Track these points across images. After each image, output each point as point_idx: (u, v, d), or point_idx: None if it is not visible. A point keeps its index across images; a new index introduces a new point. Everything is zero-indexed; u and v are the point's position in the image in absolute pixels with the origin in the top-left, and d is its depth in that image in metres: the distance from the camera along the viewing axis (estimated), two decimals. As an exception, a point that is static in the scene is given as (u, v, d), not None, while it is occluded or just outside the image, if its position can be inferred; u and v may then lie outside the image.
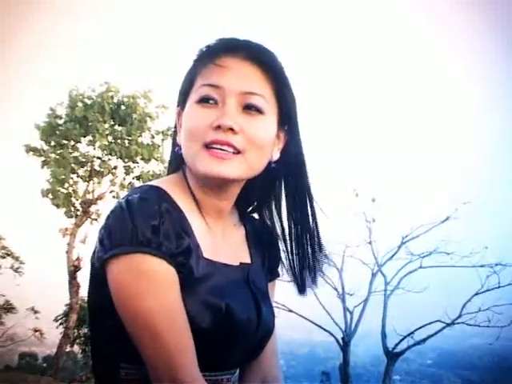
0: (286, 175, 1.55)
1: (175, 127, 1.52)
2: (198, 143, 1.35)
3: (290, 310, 13.07)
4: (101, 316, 1.35)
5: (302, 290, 1.62)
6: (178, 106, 1.50)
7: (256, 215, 1.66)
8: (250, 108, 1.39)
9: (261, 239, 1.60)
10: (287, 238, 1.59)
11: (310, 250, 1.59)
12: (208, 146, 1.35)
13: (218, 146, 1.34)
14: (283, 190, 1.58)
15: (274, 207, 1.61)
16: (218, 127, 1.34)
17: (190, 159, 1.38)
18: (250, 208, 1.64)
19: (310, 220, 1.57)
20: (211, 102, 1.38)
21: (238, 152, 1.36)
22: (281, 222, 1.60)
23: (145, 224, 1.23)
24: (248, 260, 1.53)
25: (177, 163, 1.51)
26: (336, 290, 14.01)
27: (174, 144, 1.52)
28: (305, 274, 1.61)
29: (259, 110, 1.40)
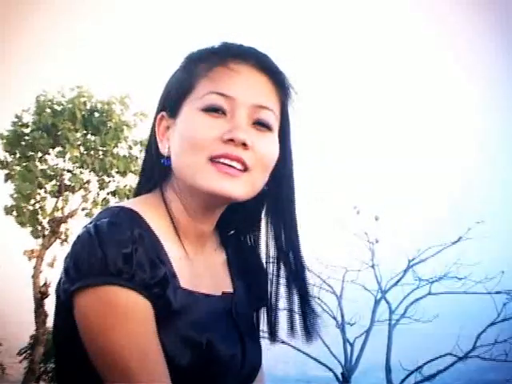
0: (274, 198, 1.56)
1: (153, 135, 1.52)
2: (203, 156, 1.36)
3: (283, 342, 13.00)
4: (67, 351, 1.36)
5: (272, 334, 1.63)
6: (162, 110, 1.50)
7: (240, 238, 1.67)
8: (260, 123, 1.40)
9: (245, 264, 1.61)
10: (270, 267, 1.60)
11: (294, 286, 1.60)
12: (214, 160, 1.35)
13: (227, 161, 1.35)
14: (269, 214, 1.59)
15: (262, 232, 1.62)
16: (230, 140, 1.35)
17: (190, 173, 1.38)
18: (233, 231, 1.65)
19: (295, 247, 1.58)
20: (219, 111, 1.38)
21: (245, 170, 1.37)
22: (271, 247, 1.61)
23: (115, 252, 1.24)
24: (231, 289, 1.53)
25: (154, 178, 1.50)
26: (335, 318, 13.96)
27: (150, 155, 1.52)
28: (277, 319, 1.62)
29: (269, 127, 1.42)
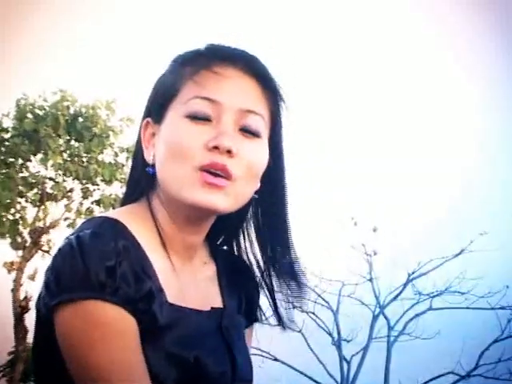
0: (266, 205, 1.56)
1: (138, 142, 1.52)
2: (188, 165, 1.35)
3: (276, 359, 12.99)
4: (47, 368, 1.35)
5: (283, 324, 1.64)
6: (147, 116, 1.50)
7: (227, 248, 1.67)
8: (247, 129, 1.40)
9: (236, 278, 1.61)
10: (265, 273, 1.60)
11: (290, 284, 1.60)
12: (200, 170, 1.35)
13: (212, 170, 1.34)
14: (261, 221, 1.59)
15: (251, 239, 1.62)
16: (215, 148, 1.35)
17: (174, 184, 1.38)
18: (220, 240, 1.65)
19: (290, 254, 1.59)
20: (204, 118, 1.38)
21: (229, 179, 1.36)
22: (258, 254, 1.62)
23: (98, 265, 1.23)
24: (220, 303, 1.53)
25: (141, 187, 1.50)
26: (331, 335, 13.97)
27: (137, 163, 1.52)
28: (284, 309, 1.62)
29: (257, 133, 1.41)
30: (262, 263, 1.61)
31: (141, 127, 1.51)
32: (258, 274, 1.62)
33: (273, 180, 1.53)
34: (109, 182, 13.72)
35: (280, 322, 1.64)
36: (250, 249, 1.63)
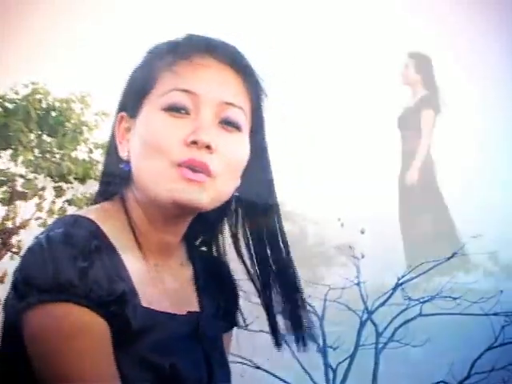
0: (247, 204, 1.57)
1: (112, 137, 1.52)
2: (165, 162, 1.36)
3: (258, 367, 12.94)
4: (15, 374, 1.35)
5: (277, 340, 1.64)
6: (121, 110, 1.50)
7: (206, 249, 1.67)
8: (227, 122, 1.41)
9: (214, 280, 1.62)
10: (255, 278, 1.61)
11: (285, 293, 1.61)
12: (178, 166, 1.35)
13: (191, 166, 1.35)
14: (245, 223, 1.59)
15: (233, 241, 1.62)
16: (193, 143, 1.35)
17: (152, 181, 1.39)
18: (199, 241, 1.65)
19: (284, 262, 1.59)
20: (182, 111, 1.38)
21: (209, 175, 1.37)
22: (247, 257, 1.62)
23: (69, 266, 1.23)
24: (197, 307, 1.54)
25: (114, 185, 1.51)
26: (316, 341, 13.89)
27: (111, 159, 1.52)
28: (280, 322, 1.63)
29: (237, 126, 1.42)
30: (249, 266, 1.62)
31: (115, 122, 1.52)
32: (245, 276, 1.63)
33: (254, 177, 1.53)
34: (83, 180, 13.62)
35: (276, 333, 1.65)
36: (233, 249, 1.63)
